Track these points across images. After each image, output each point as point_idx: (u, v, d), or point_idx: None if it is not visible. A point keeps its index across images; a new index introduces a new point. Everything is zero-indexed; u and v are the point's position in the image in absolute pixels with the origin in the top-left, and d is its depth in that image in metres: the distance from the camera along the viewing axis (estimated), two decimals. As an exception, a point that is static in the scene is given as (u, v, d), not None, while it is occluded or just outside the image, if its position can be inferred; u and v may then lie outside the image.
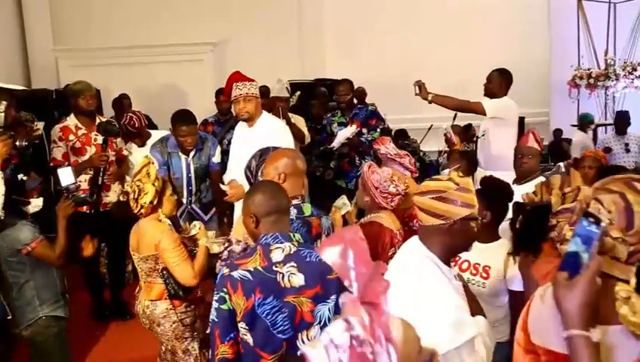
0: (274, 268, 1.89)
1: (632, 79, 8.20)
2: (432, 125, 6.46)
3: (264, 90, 5.46)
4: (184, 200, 4.18)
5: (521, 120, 7.46)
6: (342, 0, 8.41)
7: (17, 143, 3.17)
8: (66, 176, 3.13)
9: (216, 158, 4.25)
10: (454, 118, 5.15)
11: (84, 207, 4.16)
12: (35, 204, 3.02)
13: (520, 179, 3.44)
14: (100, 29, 8.09)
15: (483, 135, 4.56)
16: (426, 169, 6.19)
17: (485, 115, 4.30)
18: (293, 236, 1.97)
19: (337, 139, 5.15)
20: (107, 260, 4.79)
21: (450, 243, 1.76)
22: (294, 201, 2.37)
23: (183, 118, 4.02)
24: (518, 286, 2.46)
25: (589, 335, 1.14)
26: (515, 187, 3.18)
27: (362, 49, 8.24)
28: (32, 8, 7.98)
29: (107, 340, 4.30)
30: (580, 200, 1.35)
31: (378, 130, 5.21)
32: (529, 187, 2.46)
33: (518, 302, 2.43)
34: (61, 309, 3.05)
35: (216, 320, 1.89)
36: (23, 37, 8.01)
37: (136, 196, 2.80)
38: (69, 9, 8.15)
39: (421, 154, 6.85)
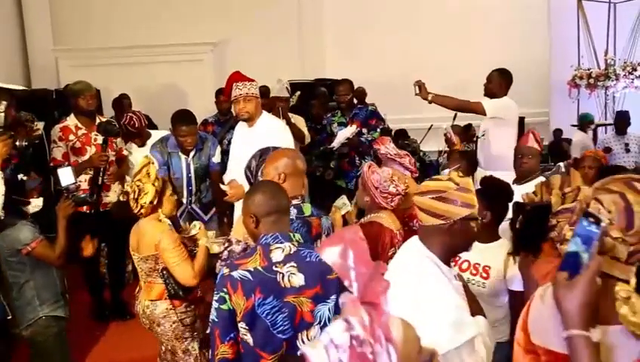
0: (274, 268, 1.89)
1: (632, 79, 8.21)
2: (432, 125, 6.46)
3: (264, 90, 5.46)
4: (184, 200, 4.18)
5: (521, 120, 7.47)
6: (342, 0, 8.41)
7: (17, 143, 3.17)
8: (65, 176, 3.13)
9: (216, 158, 4.25)
10: (454, 118, 5.15)
11: (84, 207, 4.16)
12: (35, 204, 3.02)
13: (520, 179, 3.44)
14: (100, 29, 8.09)
15: (483, 135, 4.57)
16: (426, 169, 6.20)
17: (485, 114, 4.30)
18: (294, 236, 1.97)
19: (337, 139, 5.15)
20: (107, 260, 4.79)
21: (450, 243, 1.76)
22: (294, 201, 2.37)
23: (182, 118, 4.03)
24: (518, 286, 2.46)
25: (589, 335, 1.14)
26: (515, 187, 3.18)
27: (362, 49, 8.23)
28: (32, 8, 7.99)
29: (107, 340, 4.30)
30: (580, 200, 1.35)
31: (378, 130, 5.21)
32: (529, 187, 2.46)
33: (518, 302, 2.43)
34: (61, 309, 3.05)
35: (216, 320, 1.89)
36: (23, 37, 8.01)
37: (136, 196, 2.80)
38: (69, 9, 8.15)
39: (421, 154, 6.85)
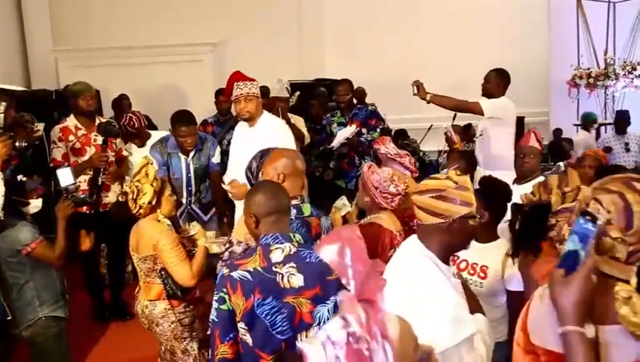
0: (273, 268, 1.89)
1: (632, 78, 8.21)
2: (431, 125, 6.46)
3: (264, 90, 5.45)
4: (183, 201, 4.18)
5: (521, 120, 7.47)
6: (342, 0, 8.41)
7: (17, 144, 3.17)
8: (65, 177, 3.13)
9: (216, 159, 4.25)
10: (454, 118, 5.15)
11: (84, 208, 4.16)
12: (35, 204, 3.03)
13: (521, 179, 3.45)
14: (99, 30, 8.08)
15: (481, 135, 4.57)
16: (426, 169, 6.19)
17: (483, 115, 4.30)
18: (294, 236, 1.97)
19: (337, 139, 5.15)
20: (107, 261, 4.79)
21: (449, 242, 1.77)
22: (294, 202, 2.37)
23: (182, 119, 4.02)
24: (515, 286, 2.47)
25: (584, 332, 1.15)
26: (515, 187, 3.19)
27: (362, 49, 8.23)
28: (32, 9, 7.98)
29: (107, 340, 4.30)
30: (579, 199, 1.35)
31: (378, 130, 5.21)
32: (530, 187, 2.46)
33: (516, 302, 2.44)
34: (61, 310, 3.05)
35: (216, 320, 1.89)
36: (23, 38, 8.01)
37: (134, 196, 2.81)
38: (68, 9, 8.15)
39: (421, 154, 6.85)
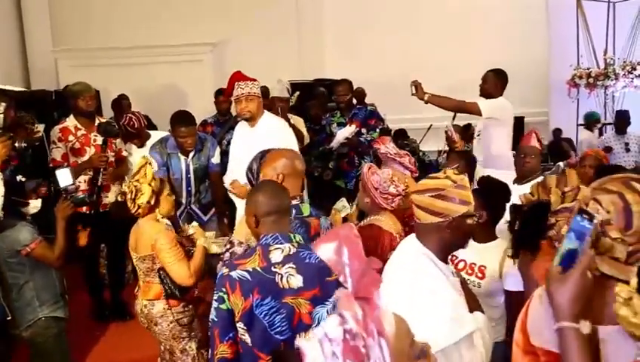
0: (273, 268, 1.88)
1: (632, 78, 8.20)
2: (431, 125, 6.46)
3: (264, 90, 5.45)
4: (183, 201, 4.18)
5: (521, 120, 7.47)
6: (342, 0, 8.41)
7: (17, 145, 3.17)
8: (64, 178, 3.12)
9: (216, 159, 4.24)
10: (454, 118, 5.15)
11: (84, 208, 4.16)
12: (34, 205, 3.03)
13: (521, 179, 3.45)
14: (99, 30, 8.08)
15: (478, 135, 4.57)
16: (426, 169, 6.19)
17: (481, 115, 4.30)
18: (294, 237, 1.97)
19: (336, 139, 5.16)
20: (107, 261, 4.79)
21: (447, 241, 1.78)
22: (293, 202, 2.37)
23: (182, 119, 4.02)
24: (513, 286, 2.47)
25: (579, 328, 1.15)
26: (516, 186, 3.19)
27: (362, 49, 8.23)
28: (32, 9, 7.98)
29: (107, 340, 4.30)
30: (579, 199, 1.35)
31: (377, 130, 5.21)
32: (530, 187, 2.46)
33: (514, 302, 2.44)
34: (61, 310, 3.05)
35: (215, 319, 1.90)
36: (23, 38, 8.01)
37: (133, 196, 2.81)
38: (68, 10, 8.15)
39: (420, 154, 6.85)
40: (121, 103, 6.25)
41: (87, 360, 3.99)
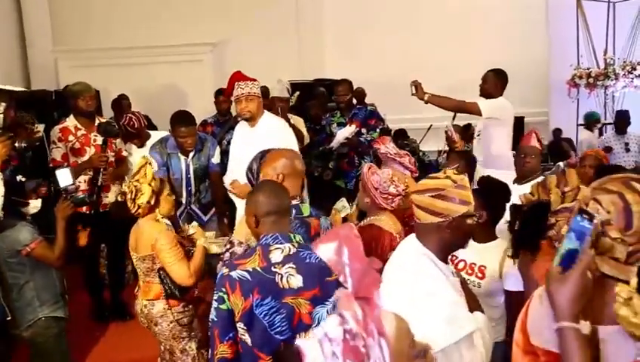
0: (273, 268, 1.88)
1: (632, 78, 8.20)
2: (431, 125, 6.46)
3: (264, 91, 5.45)
4: (183, 201, 4.18)
5: (521, 120, 7.46)
6: (342, 0, 8.40)
7: (16, 145, 3.17)
8: (63, 178, 3.13)
9: (216, 159, 4.24)
10: (454, 118, 5.14)
11: (84, 208, 4.16)
12: (34, 205, 3.03)
13: (521, 179, 3.45)
14: (99, 30, 8.08)
15: (478, 135, 4.57)
16: (426, 169, 6.19)
17: (481, 115, 4.29)
18: (294, 237, 1.97)
19: (336, 139, 5.16)
20: (107, 261, 4.79)
21: (447, 240, 1.78)
22: (293, 202, 2.37)
23: (182, 120, 4.02)
24: (513, 286, 2.47)
25: (579, 328, 1.16)
26: (516, 186, 3.19)
27: (362, 49, 8.22)
28: (32, 9, 7.97)
29: (107, 341, 4.30)
30: (579, 199, 1.35)
31: (377, 130, 5.21)
32: (530, 187, 2.46)
33: (513, 302, 2.44)
34: (61, 310, 3.05)
35: (215, 319, 1.90)
36: (23, 38, 8.01)
37: (133, 196, 2.82)
38: (68, 10, 8.14)
39: (420, 154, 6.85)
40: (121, 103, 6.25)
41: (87, 360, 3.99)
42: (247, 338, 1.87)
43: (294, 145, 3.72)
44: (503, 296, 2.61)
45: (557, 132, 8.06)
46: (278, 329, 1.86)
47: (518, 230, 2.00)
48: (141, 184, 2.81)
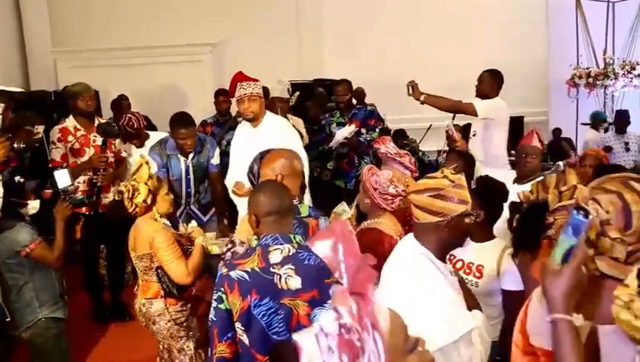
0: (271, 269, 1.88)
1: (631, 78, 8.20)
2: (431, 125, 6.45)
3: (264, 91, 5.45)
4: (182, 202, 4.18)
5: (520, 119, 7.47)
6: (341, 0, 8.40)
7: (15, 146, 3.17)
8: (62, 179, 3.13)
9: (215, 160, 4.24)
10: (453, 118, 5.14)
11: (84, 209, 4.15)
12: (33, 205, 3.03)
13: (522, 179, 3.45)
14: (98, 30, 8.08)
15: (474, 135, 4.57)
16: (425, 169, 6.18)
17: (477, 115, 4.29)
18: (294, 238, 1.96)
19: (335, 139, 5.16)
20: (106, 261, 4.79)
21: (445, 240, 1.79)
22: (290, 202, 2.37)
23: (181, 121, 4.01)
24: (510, 285, 2.47)
25: (572, 320, 1.16)
26: (516, 186, 3.19)
27: (362, 49, 8.22)
28: (31, 9, 7.97)
29: (107, 341, 4.30)
30: (576, 197, 1.35)
31: (377, 130, 5.21)
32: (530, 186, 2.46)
33: (511, 301, 2.44)
34: (60, 311, 3.05)
35: (214, 319, 1.90)
36: (22, 38, 8.00)
37: (130, 195, 2.82)
38: (67, 10, 8.14)
39: (420, 154, 6.84)
40: (120, 104, 6.25)
41: (87, 360, 3.99)
42: (245, 338, 1.87)
43: (299, 146, 3.72)
44: (500, 295, 2.61)
45: (556, 132, 8.06)
46: (275, 330, 1.86)
47: (516, 228, 2.00)
48: (138, 183, 2.81)
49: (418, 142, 6.96)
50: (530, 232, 1.90)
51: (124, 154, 4.59)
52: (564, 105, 8.48)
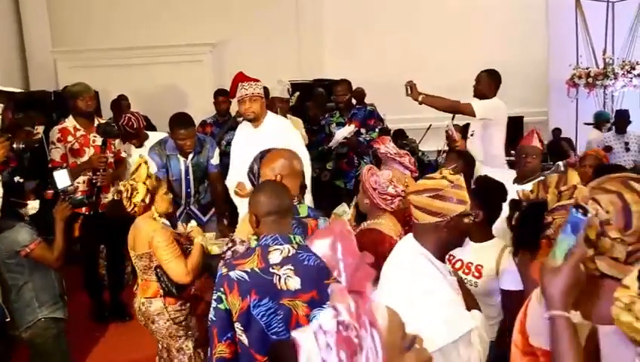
0: (271, 269, 1.88)
1: (631, 78, 8.20)
2: (430, 125, 6.46)
3: (264, 91, 5.45)
4: (182, 202, 4.18)
5: (520, 119, 7.47)
6: (341, 0, 8.40)
7: (15, 146, 3.17)
8: (61, 179, 3.13)
9: (215, 160, 4.23)
10: (453, 118, 5.14)
11: (83, 209, 4.15)
12: (32, 205, 3.03)
13: (522, 179, 3.45)
14: (98, 30, 8.08)
15: (472, 134, 4.57)
16: (425, 169, 6.18)
17: (475, 116, 4.29)
18: (294, 238, 1.96)
19: (335, 139, 5.16)
20: (106, 262, 4.79)
21: (444, 240, 1.79)
22: (290, 202, 2.37)
23: (181, 122, 4.01)
24: (510, 285, 2.47)
25: (570, 317, 1.16)
26: (516, 186, 3.18)
27: (362, 49, 8.22)
28: (30, 9, 7.97)
29: (106, 341, 4.30)
30: (576, 197, 1.35)
31: (376, 130, 5.21)
32: (530, 186, 2.46)
33: (510, 301, 2.44)
34: (60, 311, 3.05)
35: (214, 319, 1.90)
36: (21, 38, 8.01)
37: (129, 195, 2.82)
38: (67, 10, 8.14)
39: (420, 154, 6.85)
40: (120, 104, 6.25)
41: (87, 360, 3.99)
42: (244, 338, 1.87)
43: (301, 145, 3.72)
44: (499, 294, 2.61)
45: (556, 132, 8.06)
46: (275, 331, 1.86)
47: (516, 227, 2.00)
48: (136, 183, 2.82)
49: (418, 142, 6.96)
50: (530, 231, 1.90)
51: (123, 154, 4.59)
52: (563, 105, 8.48)
